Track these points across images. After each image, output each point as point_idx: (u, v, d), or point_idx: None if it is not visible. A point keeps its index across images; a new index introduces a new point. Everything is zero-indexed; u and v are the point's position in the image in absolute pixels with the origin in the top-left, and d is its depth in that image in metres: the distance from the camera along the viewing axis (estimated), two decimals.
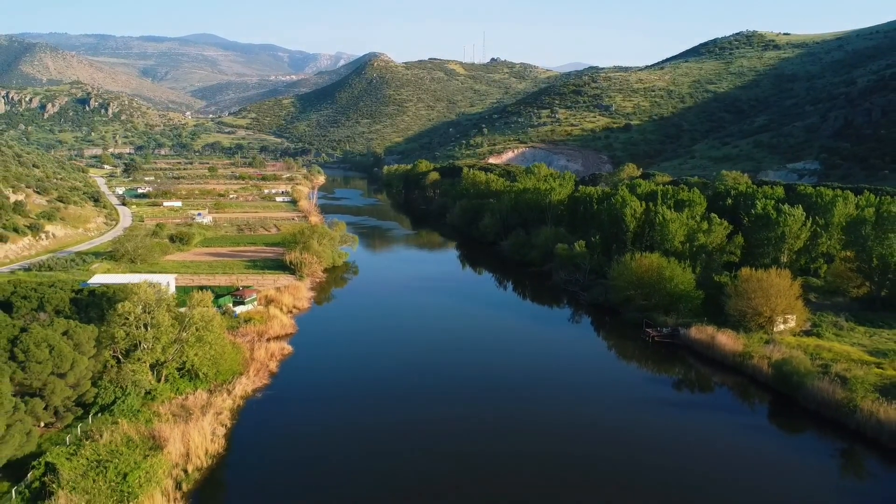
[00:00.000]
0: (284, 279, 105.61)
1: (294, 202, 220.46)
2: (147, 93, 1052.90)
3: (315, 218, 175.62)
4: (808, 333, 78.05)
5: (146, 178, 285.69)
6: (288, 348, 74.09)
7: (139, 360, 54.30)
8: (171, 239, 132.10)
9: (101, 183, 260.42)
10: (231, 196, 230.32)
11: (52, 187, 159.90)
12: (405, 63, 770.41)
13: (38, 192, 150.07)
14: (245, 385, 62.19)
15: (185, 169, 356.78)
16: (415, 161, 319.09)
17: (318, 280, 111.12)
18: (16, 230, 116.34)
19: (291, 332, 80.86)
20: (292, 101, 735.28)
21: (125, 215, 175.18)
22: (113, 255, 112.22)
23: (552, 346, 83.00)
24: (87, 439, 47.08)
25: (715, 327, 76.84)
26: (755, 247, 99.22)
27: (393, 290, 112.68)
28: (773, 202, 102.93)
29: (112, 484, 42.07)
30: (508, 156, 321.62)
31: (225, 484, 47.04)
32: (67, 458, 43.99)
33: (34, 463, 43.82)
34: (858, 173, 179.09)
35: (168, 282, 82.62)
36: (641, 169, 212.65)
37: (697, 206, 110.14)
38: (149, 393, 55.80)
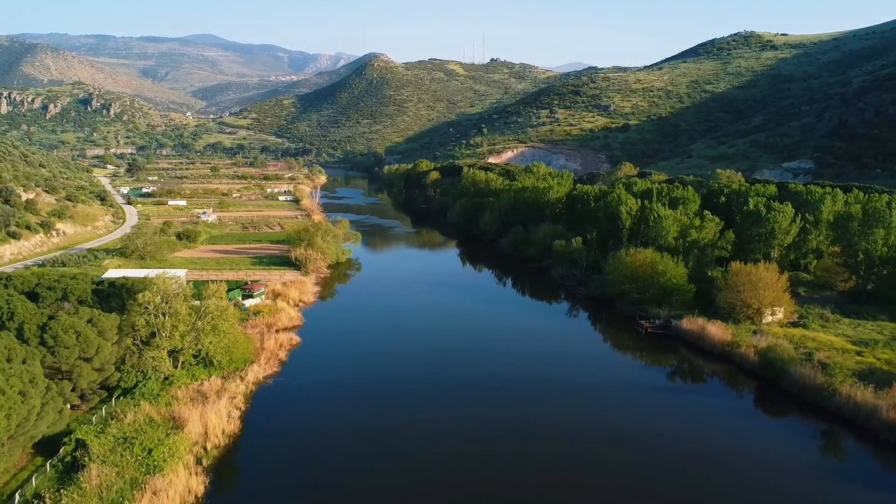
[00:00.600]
0: (290, 275, 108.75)
1: (296, 201, 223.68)
2: (147, 93, 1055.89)
3: (318, 216, 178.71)
4: (795, 325, 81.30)
5: (150, 178, 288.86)
6: (296, 339, 77.32)
7: (158, 346, 57.49)
8: (178, 236, 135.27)
9: (105, 182, 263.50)
10: (234, 195, 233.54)
11: (60, 186, 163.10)
12: (405, 63, 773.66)
13: (47, 191, 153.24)
14: (257, 372, 65.38)
15: (187, 169, 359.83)
16: (415, 161, 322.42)
17: (322, 276, 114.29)
18: (28, 228, 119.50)
19: (298, 324, 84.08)
20: (293, 101, 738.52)
21: (131, 214, 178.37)
22: (123, 252, 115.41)
23: (550, 338, 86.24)
24: (112, 419, 50.39)
25: (705, 319, 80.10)
26: (747, 242, 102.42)
27: (395, 285, 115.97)
28: (764, 200, 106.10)
29: (138, 458, 45.35)
30: (508, 155, 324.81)
31: (241, 461, 50.21)
32: (96, 436, 47.27)
33: (65, 440, 47.11)
34: (852, 172, 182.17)
35: (180, 276, 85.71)
36: (638, 168, 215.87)
37: (691, 203, 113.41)
38: (167, 378, 59.01)
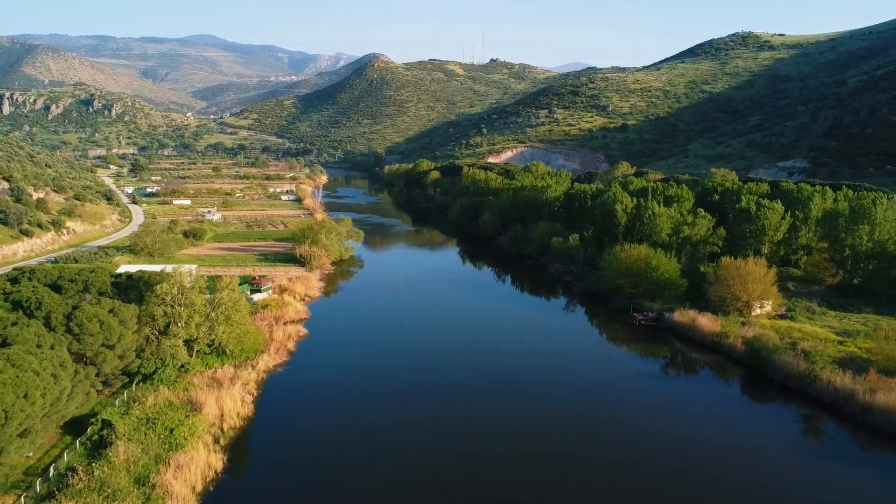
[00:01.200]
0: (295, 271, 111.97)
1: (299, 200, 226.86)
2: (148, 94, 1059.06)
3: (320, 215, 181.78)
4: (782, 317, 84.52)
5: (153, 178, 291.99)
6: (303, 331, 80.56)
7: (175, 336, 60.72)
8: (185, 234, 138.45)
9: (109, 182, 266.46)
10: (237, 195, 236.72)
11: (68, 186, 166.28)
12: (405, 64, 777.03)
13: (55, 191, 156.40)
14: (267, 361, 68.59)
15: (189, 169, 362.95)
16: (415, 161, 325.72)
17: (326, 272, 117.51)
18: (39, 226, 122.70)
19: (305, 318, 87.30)
20: (293, 101, 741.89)
21: (137, 213, 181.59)
22: (132, 249, 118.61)
23: (548, 331, 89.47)
24: (134, 402, 53.64)
25: (696, 311, 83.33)
26: (738, 239, 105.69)
27: (397, 281, 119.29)
28: (755, 198, 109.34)
29: (161, 437, 48.62)
30: (507, 155, 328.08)
31: (255, 441, 53.43)
32: (120, 417, 50.55)
33: (92, 420, 50.35)
34: (845, 171, 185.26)
35: (192, 270, 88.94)
36: (635, 167, 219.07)
37: (686, 201, 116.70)
38: (183, 366, 62.24)
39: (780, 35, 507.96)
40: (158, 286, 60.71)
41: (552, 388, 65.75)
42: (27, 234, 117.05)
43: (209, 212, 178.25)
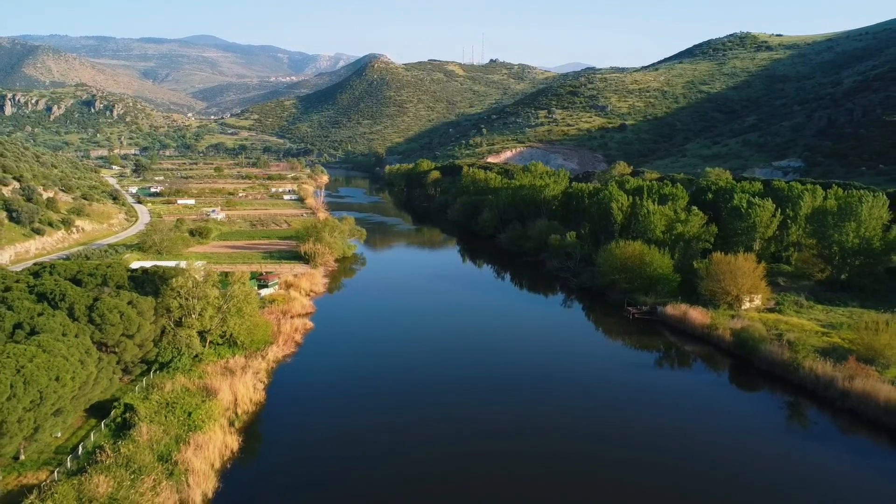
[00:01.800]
0: (300, 268, 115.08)
1: (301, 200, 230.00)
2: (149, 94, 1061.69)
3: (323, 214, 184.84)
4: (771, 311, 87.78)
5: (156, 178, 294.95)
6: (310, 324, 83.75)
7: (190, 327, 63.90)
8: (191, 233, 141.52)
9: (113, 182, 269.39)
10: (240, 194, 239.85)
11: (75, 186, 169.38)
12: (405, 64, 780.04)
13: (63, 190, 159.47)
14: (276, 352, 71.78)
15: (191, 169, 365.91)
16: (416, 161, 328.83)
17: (330, 269, 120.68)
18: (50, 224, 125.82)
19: (311, 312, 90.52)
20: (294, 102, 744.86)
21: (143, 212, 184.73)
22: (141, 247, 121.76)
23: (545, 324, 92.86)
24: (153, 389, 56.83)
25: (688, 305, 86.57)
26: (730, 236, 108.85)
27: (399, 278, 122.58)
28: (747, 196, 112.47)
29: (180, 419, 51.82)
30: (507, 155, 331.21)
31: (267, 424, 56.59)
32: (141, 401, 53.75)
33: (115, 404, 53.56)
34: (838, 170, 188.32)
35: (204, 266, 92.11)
36: (632, 167, 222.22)
37: (680, 199, 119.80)
38: (197, 356, 65.41)
39: (777, 35, 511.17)
40: (174, 279, 63.90)
41: (550, 381, 68.21)
42: (39, 232, 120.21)
43: (213, 211, 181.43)
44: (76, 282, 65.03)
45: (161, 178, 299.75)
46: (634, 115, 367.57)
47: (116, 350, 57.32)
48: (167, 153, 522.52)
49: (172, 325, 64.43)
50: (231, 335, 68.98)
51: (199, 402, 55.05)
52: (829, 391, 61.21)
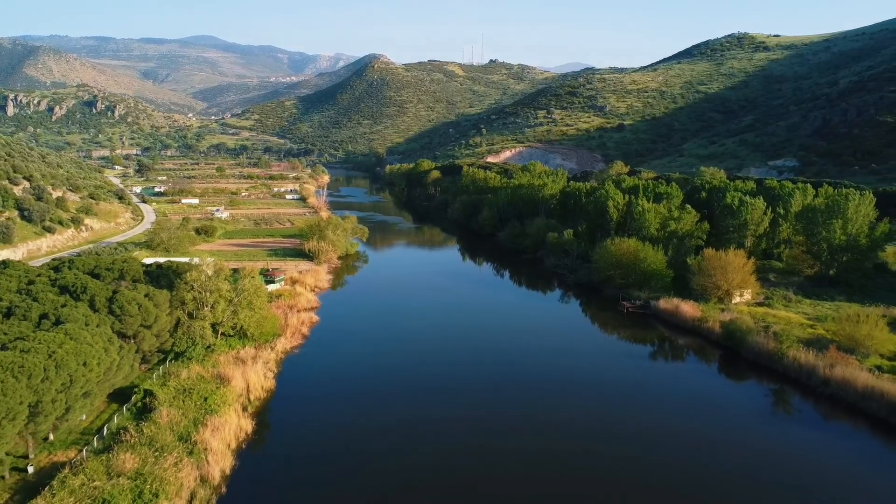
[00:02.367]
0: (304, 265, 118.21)
1: (303, 199, 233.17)
2: (149, 94, 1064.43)
3: (325, 213, 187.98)
4: (760, 305, 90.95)
5: (159, 178, 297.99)
6: (315, 318, 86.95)
7: (203, 318, 67.06)
8: (197, 231, 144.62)
9: (116, 182, 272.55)
10: (243, 194, 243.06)
11: (82, 185, 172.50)
12: (405, 65, 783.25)
13: (70, 190, 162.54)
14: (284, 344, 74.96)
15: (192, 169, 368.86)
16: (416, 160, 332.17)
17: (333, 266, 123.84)
18: (60, 223, 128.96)
19: (316, 306, 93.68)
20: (294, 102, 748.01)
21: (148, 211, 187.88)
22: (149, 245, 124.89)
23: (543, 318, 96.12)
24: (170, 376, 60.02)
25: (680, 299, 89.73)
26: (723, 233, 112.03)
27: (400, 274, 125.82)
28: (739, 195, 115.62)
29: (197, 403, 55.00)
30: (506, 155, 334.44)
31: (278, 409, 59.77)
32: (160, 387, 56.95)
33: (135, 389, 56.77)
34: (832, 169, 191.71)
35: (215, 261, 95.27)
36: (629, 166, 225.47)
37: (675, 198, 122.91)
38: (209, 346, 68.59)
39: (775, 36, 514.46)
40: (187, 274, 67.03)
41: (548, 373, 70.83)
42: (50, 230, 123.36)
43: (218, 210, 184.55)
44: (94, 276, 68.14)
45: (164, 178, 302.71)
46: (633, 116, 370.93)
47: (135, 340, 60.42)
48: (168, 153, 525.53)
49: (187, 317, 67.52)
50: (241, 327, 72.14)
51: (214, 388, 58.23)
52: (812, 379, 64.42)
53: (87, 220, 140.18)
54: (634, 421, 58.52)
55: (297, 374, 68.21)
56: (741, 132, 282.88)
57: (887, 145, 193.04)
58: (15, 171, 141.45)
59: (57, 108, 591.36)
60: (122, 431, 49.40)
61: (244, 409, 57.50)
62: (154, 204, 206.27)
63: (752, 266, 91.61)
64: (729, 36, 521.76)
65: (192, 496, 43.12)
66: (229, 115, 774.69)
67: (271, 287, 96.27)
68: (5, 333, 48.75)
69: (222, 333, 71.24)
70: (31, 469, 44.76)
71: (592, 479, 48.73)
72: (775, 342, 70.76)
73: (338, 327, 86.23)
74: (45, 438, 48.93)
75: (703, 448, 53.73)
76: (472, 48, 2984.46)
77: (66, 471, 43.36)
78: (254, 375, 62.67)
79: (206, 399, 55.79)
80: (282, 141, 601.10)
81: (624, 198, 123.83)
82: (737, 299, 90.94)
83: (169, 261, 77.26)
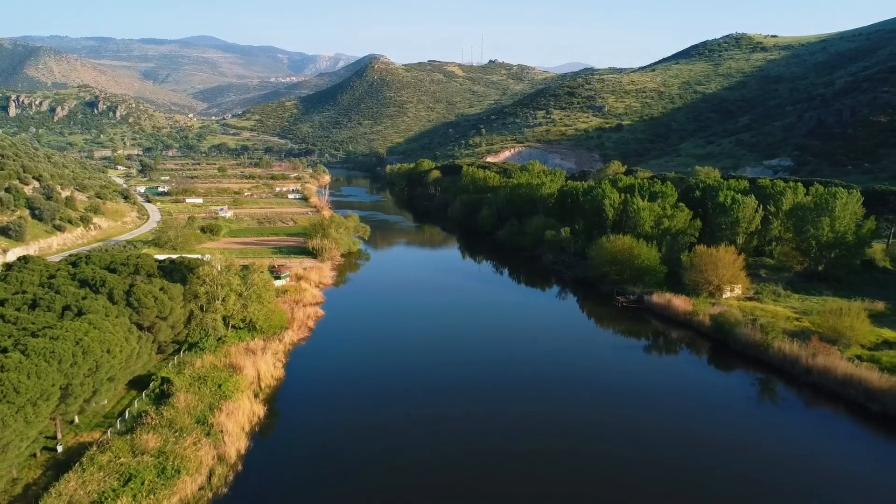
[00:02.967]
0: (308, 262, 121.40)
1: (305, 199, 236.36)
2: (149, 95, 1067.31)
3: (327, 212, 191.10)
4: (750, 299, 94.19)
5: (162, 178, 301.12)
6: (321, 312, 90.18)
7: (215, 311, 70.25)
8: (202, 230, 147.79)
9: (120, 182, 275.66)
10: (246, 194, 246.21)
11: (89, 185, 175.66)
12: (405, 65, 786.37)
13: (78, 190, 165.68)
14: (291, 336, 78.15)
15: (194, 169, 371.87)
16: (416, 160, 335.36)
17: (337, 263, 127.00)
18: (70, 222, 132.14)
19: (321, 301, 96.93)
20: (295, 103, 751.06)
21: (153, 211, 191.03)
22: (157, 243, 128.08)
23: (540, 312, 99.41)
24: (185, 365, 63.22)
25: (672, 294, 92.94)
26: (716, 230, 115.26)
27: (402, 271, 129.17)
28: (731, 193, 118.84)
29: (212, 390, 58.20)
30: (505, 155, 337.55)
31: (287, 396, 62.97)
32: (176, 375, 60.16)
33: (153, 377, 59.98)
34: (826, 169, 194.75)
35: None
36: (626, 166, 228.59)
37: (669, 197, 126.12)
38: (220, 338, 71.79)
39: (772, 36, 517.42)
40: (200, 268, 70.21)
41: (545, 365, 73.74)
42: (60, 229, 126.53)
43: (222, 209, 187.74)
44: (111, 270, 71.19)
45: (167, 178, 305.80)
46: (631, 116, 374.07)
47: (152, 330, 63.59)
48: (170, 154, 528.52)
49: (199, 310, 70.69)
50: (251, 320, 75.37)
51: (227, 376, 61.43)
52: (795, 368, 67.66)
53: (96, 219, 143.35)
54: (627, 412, 61.15)
55: (304, 364, 71.41)
56: (738, 132, 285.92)
57: (879, 145, 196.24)
58: (25, 171, 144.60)
59: (59, 109, 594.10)
60: (142, 415, 52.61)
61: (256, 395, 60.70)
62: (159, 203, 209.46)
63: (742, 262, 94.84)
64: (727, 36, 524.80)
65: (211, 473, 46.30)
66: (230, 116, 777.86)
67: (277, 283, 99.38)
68: (32, 323, 51.92)
69: (233, 326, 74.43)
70: (59, 448, 47.94)
71: (592, 472, 49.75)
72: (761, 334, 73.96)
73: (342, 321, 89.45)
74: (71, 422, 52.17)
75: (692, 435, 56.35)
76: (471, 48, 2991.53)
77: (94, 449, 46.59)
78: (264, 365, 65.88)
79: (220, 386, 58.98)
80: (283, 141, 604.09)
81: (620, 196, 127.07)
82: (727, 294, 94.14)
83: (181, 257, 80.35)
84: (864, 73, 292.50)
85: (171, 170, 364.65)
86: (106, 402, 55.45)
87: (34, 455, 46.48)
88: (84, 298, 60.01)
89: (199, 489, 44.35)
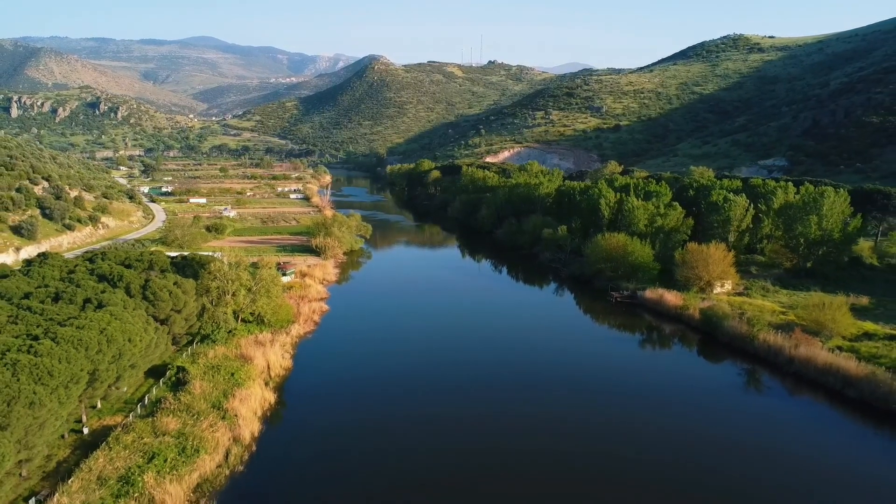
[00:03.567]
0: (312, 260, 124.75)
1: (307, 199, 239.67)
2: (150, 96, 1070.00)
3: (329, 212, 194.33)
4: (740, 295, 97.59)
5: (165, 178, 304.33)
6: (325, 307, 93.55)
7: (226, 305, 73.59)
8: (208, 229, 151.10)
9: (123, 183, 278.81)
10: (248, 194, 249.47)
11: (95, 185, 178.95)
12: (405, 66, 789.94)
13: (85, 190, 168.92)
14: (298, 329, 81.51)
15: (196, 170, 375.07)
16: (416, 161, 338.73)
17: (339, 261, 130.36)
18: (79, 221, 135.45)
19: (325, 297, 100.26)
20: (295, 103, 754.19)
21: (158, 211, 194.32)
22: (164, 241, 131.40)
23: (537, 308, 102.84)
24: (198, 355, 66.57)
25: (665, 289, 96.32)
26: (707, 228, 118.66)
27: (403, 268, 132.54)
28: (723, 192, 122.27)
29: (225, 378, 61.58)
30: (504, 155, 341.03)
31: (296, 384, 66.31)
32: (191, 364, 63.50)
33: (169, 366, 63.32)
34: (819, 169, 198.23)
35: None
36: (623, 166, 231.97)
37: (664, 196, 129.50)
38: (230, 331, 75.14)
39: (769, 37, 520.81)
40: (212, 264, 73.55)
41: (542, 359, 76.83)
42: (70, 228, 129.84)
43: (226, 209, 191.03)
44: (126, 266, 74.49)
45: (169, 178, 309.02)
46: (629, 116, 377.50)
47: (167, 323, 66.84)
48: (171, 154, 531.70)
49: (211, 304, 74.02)
50: (259, 314, 78.73)
51: (239, 366, 64.83)
52: (779, 358, 71.06)
53: (104, 219, 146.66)
54: (620, 404, 63.77)
55: (310, 356, 74.75)
56: (734, 132, 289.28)
57: (871, 145, 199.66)
58: (34, 172, 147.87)
59: (60, 110, 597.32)
60: (161, 400, 56.00)
61: (266, 383, 64.03)
62: (163, 203, 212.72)
63: (731, 258, 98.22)
64: (724, 37, 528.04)
65: (228, 452, 49.65)
66: (230, 116, 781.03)
67: (283, 279, 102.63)
68: (57, 314, 55.26)
69: (242, 319, 77.79)
70: (85, 430, 51.29)
71: (591, 471, 50.24)
72: (748, 326, 77.31)
73: (346, 316, 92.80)
74: (94, 406, 55.49)
75: (681, 425, 58.87)
76: (470, 49, 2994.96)
77: (119, 430, 49.96)
78: (273, 356, 69.24)
79: (232, 374, 62.35)
80: (283, 142, 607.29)
81: (616, 196, 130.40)
82: (718, 289, 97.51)
83: (192, 254, 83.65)
84: (859, 73, 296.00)
85: (173, 170, 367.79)
86: (126, 388, 58.78)
87: (63, 436, 49.80)
88: (103, 292, 63.28)
89: (217, 467, 47.68)
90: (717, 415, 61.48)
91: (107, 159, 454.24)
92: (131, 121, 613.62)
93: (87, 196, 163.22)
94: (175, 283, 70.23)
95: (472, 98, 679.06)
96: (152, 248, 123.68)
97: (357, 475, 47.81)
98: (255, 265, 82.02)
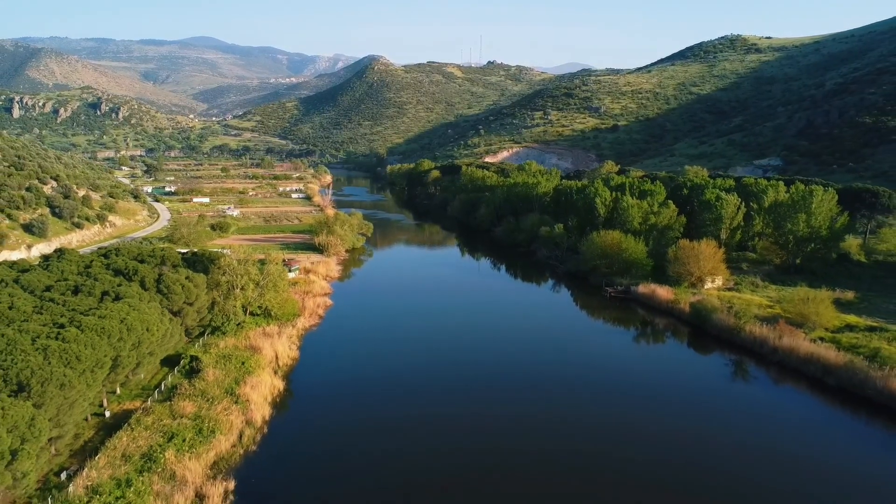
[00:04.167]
0: (315, 257, 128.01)
1: (309, 198, 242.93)
2: (150, 96, 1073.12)
3: (331, 211, 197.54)
4: (730, 290, 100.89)
5: (168, 178, 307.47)
6: (329, 302, 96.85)
7: (235, 298, 76.89)
8: (212, 227, 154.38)
9: (126, 182, 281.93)
10: (250, 193, 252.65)
11: (101, 185, 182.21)
12: (404, 66, 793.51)
13: (91, 189, 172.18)
14: (303, 322, 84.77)
15: (198, 169, 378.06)
16: (416, 161, 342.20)
17: (342, 258, 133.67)
18: (87, 219, 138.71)
19: (329, 292, 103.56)
20: (295, 104, 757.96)
21: (162, 210, 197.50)
22: (170, 239, 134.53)
23: (534, 303, 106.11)
24: (209, 346, 69.86)
25: (657, 284, 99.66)
26: (701, 226, 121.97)
27: (404, 266, 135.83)
28: (716, 191, 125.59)
29: (236, 366, 64.85)
30: (503, 155, 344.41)
31: (302, 373, 69.59)
32: (204, 354, 66.79)
33: (183, 355, 66.61)
34: (813, 168, 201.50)
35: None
36: (619, 165, 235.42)
37: (658, 195, 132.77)
38: (239, 324, 78.42)
39: (767, 38, 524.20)
40: (221, 259, 76.85)
41: (539, 354, 79.84)
42: (78, 226, 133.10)
43: (229, 208, 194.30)
44: (139, 261, 77.86)
45: (172, 178, 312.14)
46: (627, 117, 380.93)
47: (180, 315, 70.18)
48: (172, 154, 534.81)
49: (221, 298, 77.31)
50: (266, 307, 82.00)
51: (249, 355, 68.10)
52: (764, 348, 74.38)
53: (111, 217, 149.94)
54: (614, 397, 66.32)
55: (316, 347, 78.03)
56: (730, 132, 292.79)
57: (864, 145, 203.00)
58: (43, 172, 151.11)
59: (62, 110, 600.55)
60: (177, 387, 59.26)
61: (275, 372, 67.31)
62: (167, 203, 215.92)
63: (721, 255, 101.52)
64: (722, 38, 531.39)
65: (241, 434, 52.92)
66: (230, 117, 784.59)
67: (289, 275, 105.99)
68: (79, 305, 58.61)
69: (250, 312, 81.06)
70: (107, 414, 54.56)
71: (591, 468, 50.44)
72: (735, 319, 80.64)
73: (349, 310, 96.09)
74: (113, 392, 58.75)
75: (673, 413, 61.55)
76: (470, 49, 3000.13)
77: (139, 413, 53.26)
78: (281, 347, 72.52)
79: (243, 363, 65.63)
80: (283, 142, 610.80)
81: (611, 195, 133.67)
82: (709, 285, 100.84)
83: (202, 250, 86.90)
84: (853, 74, 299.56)
85: (175, 170, 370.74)
86: (143, 375, 62.03)
87: (86, 419, 53.06)
88: (119, 285, 66.63)
89: (232, 447, 50.96)
90: (705, 404, 64.32)
91: (108, 159, 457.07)
92: (132, 121, 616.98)
93: (94, 195, 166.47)
94: (187, 278, 73.56)
95: (472, 98, 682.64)
96: (159, 246, 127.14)
97: (362, 459, 51.07)
98: (262, 261, 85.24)
